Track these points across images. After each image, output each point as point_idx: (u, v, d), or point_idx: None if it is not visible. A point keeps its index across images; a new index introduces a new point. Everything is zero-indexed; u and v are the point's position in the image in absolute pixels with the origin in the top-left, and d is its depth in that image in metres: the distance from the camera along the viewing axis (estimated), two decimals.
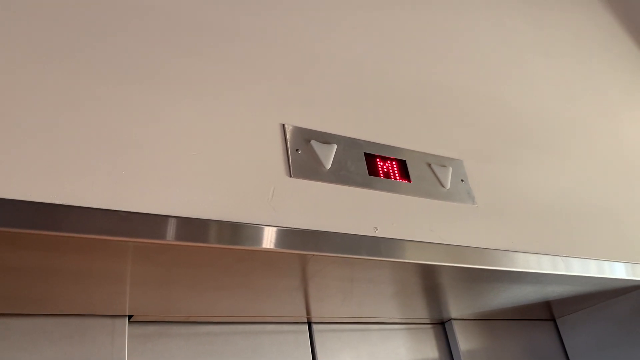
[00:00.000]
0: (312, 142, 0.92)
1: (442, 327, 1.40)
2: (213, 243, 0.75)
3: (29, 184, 0.65)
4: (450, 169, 1.07)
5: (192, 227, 0.75)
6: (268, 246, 0.79)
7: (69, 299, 0.87)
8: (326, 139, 0.95)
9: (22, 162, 0.66)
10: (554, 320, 1.57)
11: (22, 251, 0.68)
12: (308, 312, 1.16)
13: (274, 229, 0.80)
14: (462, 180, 1.07)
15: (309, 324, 1.20)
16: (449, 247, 0.98)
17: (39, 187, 0.66)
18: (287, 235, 0.81)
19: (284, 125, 0.91)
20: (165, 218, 0.73)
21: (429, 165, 1.05)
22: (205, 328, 1.07)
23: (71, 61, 0.78)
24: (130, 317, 0.97)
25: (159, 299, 0.93)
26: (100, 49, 0.81)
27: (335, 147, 0.94)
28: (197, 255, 0.78)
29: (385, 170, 0.98)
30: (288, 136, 0.90)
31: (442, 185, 1.03)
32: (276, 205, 0.83)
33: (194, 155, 0.80)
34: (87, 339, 0.92)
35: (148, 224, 0.71)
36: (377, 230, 0.90)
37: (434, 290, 1.15)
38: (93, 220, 0.67)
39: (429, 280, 1.07)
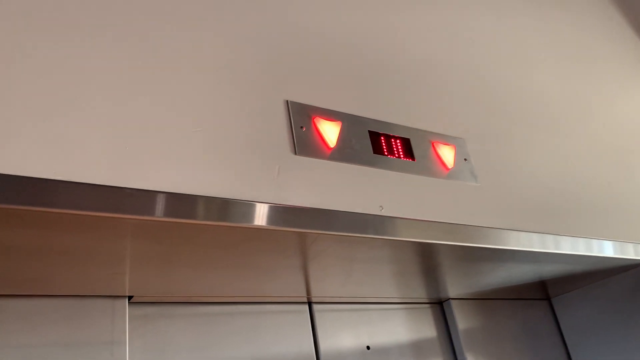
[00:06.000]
0: (317, 119, 0.90)
1: (440, 306, 1.40)
2: (217, 221, 0.73)
3: (24, 159, 0.62)
4: (454, 147, 1.05)
5: (195, 205, 0.73)
6: (273, 225, 0.78)
7: (68, 279, 0.85)
8: (331, 116, 0.93)
9: (17, 136, 0.63)
10: (549, 299, 1.59)
11: (17, 229, 0.66)
12: (308, 292, 1.15)
13: (280, 207, 0.79)
14: (465, 160, 1.06)
15: (309, 304, 1.20)
16: (452, 226, 0.97)
17: (34, 162, 0.63)
18: (293, 214, 0.80)
19: (287, 101, 0.89)
20: (167, 195, 0.70)
21: (433, 143, 1.03)
22: (206, 308, 1.05)
23: (56, 27, 0.75)
24: (130, 297, 0.95)
25: (160, 279, 0.91)
26: (105, 17, 0.78)
27: (340, 124, 0.92)
28: (199, 234, 0.76)
29: (390, 148, 0.96)
30: (292, 113, 0.88)
31: (446, 164, 1.02)
32: (281, 183, 0.81)
33: (198, 131, 0.77)
34: (87, 320, 0.90)
35: (150, 201, 0.69)
36: (382, 209, 0.89)
37: (433, 269, 1.15)
38: (92, 196, 0.65)
39: (430, 260, 1.07)
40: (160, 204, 0.70)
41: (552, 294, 1.56)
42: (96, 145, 0.68)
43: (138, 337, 0.96)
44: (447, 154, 1.03)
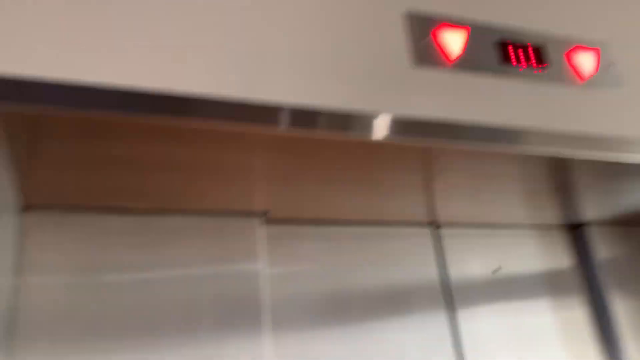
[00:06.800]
0: (438, 29, 0.86)
1: (576, 231, 1.31)
2: (341, 132, 0.74)
3: (157, 73, 0.65)
4: (596, 52, 0.95)
5: (317, 117, 0.73)
6: (395, 137, 0.77)
7: (207, 195, 0.92)
8: (454, 23, 0.88)
9: (154, 50, 0.66)
10: None
11: (152, 144, 0.72)
12: (434, 214, 1.14)
13: (402, 119, 0.77)
14: (609, 65, 0.96)
15: (437, 226, 1.18)
16: (591, 137, 0.89)
17: (168, 76, 0.66)
18: (416, 125, 0.78)
19: (408, 11, 0.86)
20: (290, 108, 0.72)
21: (570, 49, 0.94)
22: (334, 229, 1.09)
23: None
24: (264, 215, 1.00)
25: (291, 195, 0.96)
26: None
27: (463, 32, 0.87)
28: (323, 149, 0.78)
29: (519, 57, 0.89)
30: (412, 23, 0.85)
31: (585, 72, 0.93)
32: (402, 95, 0.79)
33: (318, 44, 0.77)
34: (225, 236, 0.97)
35: (275, 114, 0.71)
36: (512, 120, 0.84)
37: (568, 188, 1.07)
38: (226, 110, 0.68)
39: (564, 177, 1.00)
40: (284, 117, 0.72)
41: None
42: (224, 59, 0.71)
43: (270, 254, 1.01)
44: (587, 60, 0.93)
